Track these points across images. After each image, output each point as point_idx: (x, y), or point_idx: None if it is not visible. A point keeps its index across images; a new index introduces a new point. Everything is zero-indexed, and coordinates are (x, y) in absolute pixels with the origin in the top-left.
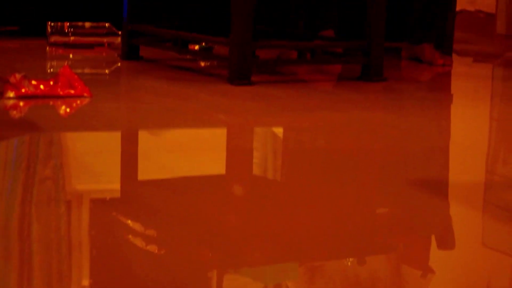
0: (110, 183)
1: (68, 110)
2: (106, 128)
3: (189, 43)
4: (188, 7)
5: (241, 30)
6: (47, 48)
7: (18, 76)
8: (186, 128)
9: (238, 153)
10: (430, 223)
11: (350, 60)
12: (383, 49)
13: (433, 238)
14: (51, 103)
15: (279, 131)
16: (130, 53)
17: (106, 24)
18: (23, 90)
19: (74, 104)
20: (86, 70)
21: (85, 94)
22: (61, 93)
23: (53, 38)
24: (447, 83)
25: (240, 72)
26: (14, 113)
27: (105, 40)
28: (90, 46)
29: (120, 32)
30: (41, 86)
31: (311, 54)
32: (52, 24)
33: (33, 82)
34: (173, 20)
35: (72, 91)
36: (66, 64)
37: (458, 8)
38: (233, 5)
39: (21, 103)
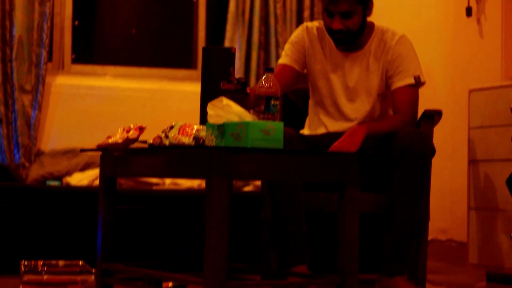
0: None
1: None
2: None
3: (163, 281)
4: (162, 245)
5: (214, 270)
6: (20, 287)
7: None
8: None
9: None
10: None
11: None
12: (357, 284)
13: None
14: None
15: None
16: None
17: (80, 262)
18: None
19: None
20: None
21: None
22: None
23: (26, 277)
24: None
25: None
26: None
27: (78, 278)
28: (63, 284)
29: (93, 271)
30: None
31: None
32: (26, 262)
33: None
34: (147, 257)
35: None
36: None
37: (430, 237)
38: (206, 247)
39: None
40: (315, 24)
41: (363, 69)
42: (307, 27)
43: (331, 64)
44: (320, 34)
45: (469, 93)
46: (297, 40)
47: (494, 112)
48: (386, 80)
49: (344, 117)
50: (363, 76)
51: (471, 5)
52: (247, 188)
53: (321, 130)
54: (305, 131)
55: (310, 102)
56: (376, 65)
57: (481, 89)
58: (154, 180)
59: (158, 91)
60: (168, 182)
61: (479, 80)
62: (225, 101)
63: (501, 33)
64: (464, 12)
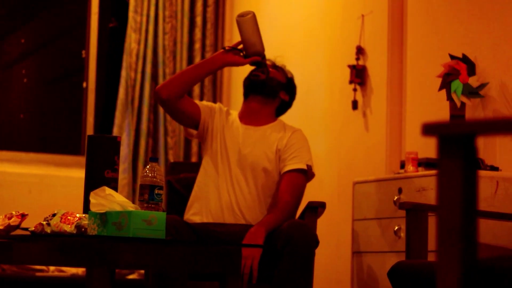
0: None
1: None
2: None
3: None
4: None
5: None
6: None
7: None
8: None
9: None
10: None
11: None
12: None
13: None
14: None
15: None
16: None
17: None
18: None
19: None
20: None
21: None
22: None
23: None
24: None
25: None
26: None
27: None
28: None
29: None
30: None
31: None
32: None
33: None
34: None
35: None
36: None
37: None
38: None
39: None
40: (225, 108)
41: (259, 145)
42: (220, 105)
43: (231, 137)
44: (227, 114)
45: (353, 185)
46: (212, 106)
47: (378, 204)
48: (279, 165)
49: (235, 193)
50: (257, 152)
51: (357, 98)
52: (132, 276)
53: (207, 218)
54: (193, 217)
55: (196, 187)
56: (271, 150)
57: (365, 182)
58: (38, 266)
59: (44, 176)
60: (52, 268)
61: (363, 172)
62: (107, 190)
63: (385, 127)
64: (350, 105)
